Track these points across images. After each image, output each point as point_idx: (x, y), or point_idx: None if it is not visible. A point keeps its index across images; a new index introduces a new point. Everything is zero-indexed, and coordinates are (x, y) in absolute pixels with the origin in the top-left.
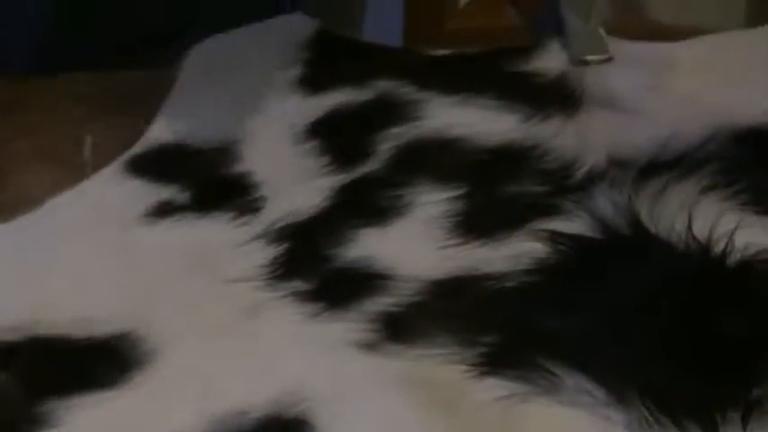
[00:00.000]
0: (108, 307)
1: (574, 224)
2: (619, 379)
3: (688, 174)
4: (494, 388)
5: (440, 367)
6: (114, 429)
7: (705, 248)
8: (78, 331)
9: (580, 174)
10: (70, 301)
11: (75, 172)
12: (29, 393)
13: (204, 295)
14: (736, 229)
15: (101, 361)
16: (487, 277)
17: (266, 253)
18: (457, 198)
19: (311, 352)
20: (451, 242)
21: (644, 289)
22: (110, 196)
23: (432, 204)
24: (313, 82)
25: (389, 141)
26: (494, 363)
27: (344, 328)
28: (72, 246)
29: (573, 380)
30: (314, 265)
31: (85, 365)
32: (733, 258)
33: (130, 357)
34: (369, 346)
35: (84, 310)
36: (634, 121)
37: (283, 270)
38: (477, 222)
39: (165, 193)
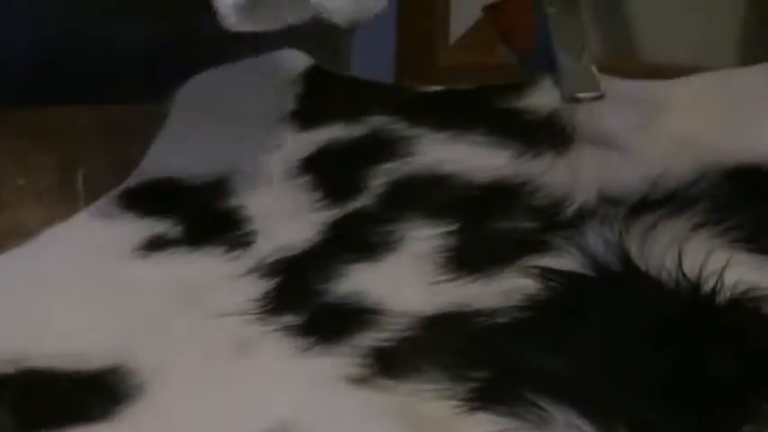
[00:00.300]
0: (99, 341)
1: (564, 260)
2: (609, 416)
3: (678, 211)
4: (484, 423)
5: (430, 402)
6: None
7: (695, 286)
8: (69, 364)
9: (571, 210)
10: (61, 335)
11: (67, 205)
12: (20, 425)
13: (195, 329)
14: (726, 266)
15: (91, 394)
16: (478, 313)
17: (257, 287)
18: (448, 234)
19: (302, 386)
20: (443, 278)
21: (634, 326)
22: (102, 230)
23: (423, 240)
24: (305, 117)
25: (381, 177)
26: (484, 398)
27: (335, 362)
28: (63, 279)
29: (563, 416)
30: (305, 300)
31: (75, 398)
32: (723, 296)
33: (120, 391)
34: (360, 381)
35: (74, 344)
36: (625, 159)
37: (274, 305)
38: (468, 258)
39: (158, 227)
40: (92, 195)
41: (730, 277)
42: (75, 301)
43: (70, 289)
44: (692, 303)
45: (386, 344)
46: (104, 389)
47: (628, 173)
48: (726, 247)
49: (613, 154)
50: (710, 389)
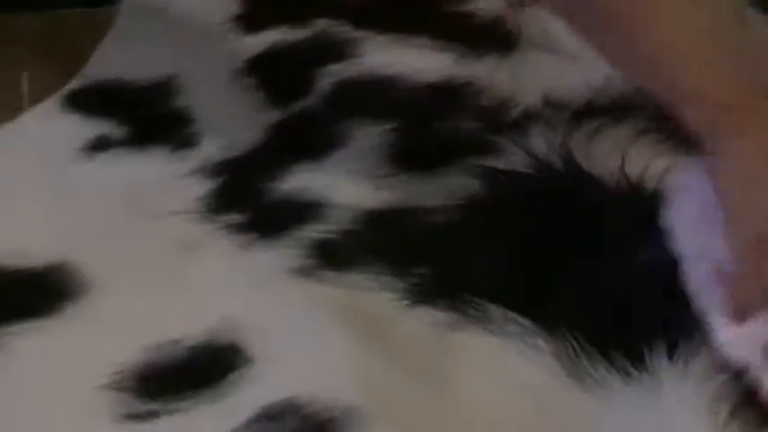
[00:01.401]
0: (44, 239)
1: (508, 161)
2: (547, 310)
3: (622, 117)
4: (423, 317)
5: (372, 295)
6: (50, 357)
7: (637, 188)
8: (14, 262)
9: (515, 113)
10: (6, 233)
11: (11, 107)
12: None
13: (140, 228)
14: (667, 169)
15: (35, 291)
16: (421, 210)
17: (202, 187)
18: (392, 132)
19: (246, 281)
20: (386, 174)
21: (575, 224)
22: (47, 131)
23: (367, 138)
24: (251, 20)
25: (326, 78)
26: (424, 293)
27: (278, 256)
28: (8, 179)
29: (502, 310)
30: (249, 198)
31: (21, 295)
32: (663, 197)
33: (65, 289)
34: (302, 274)
35: (20, 242)
36: (570, 65)
37: (219, 203)
38: (411, 156)
39: (103, 128)
40: (36, 98)
41: (671, 179)
42: (20, 201)
43: (15, 189)
44: (633, 203)
45: (329, 236)
46: (49, 286)
47: (572, 78)
48: (668, 152)
49: (558, 59)
50: (647, 285)
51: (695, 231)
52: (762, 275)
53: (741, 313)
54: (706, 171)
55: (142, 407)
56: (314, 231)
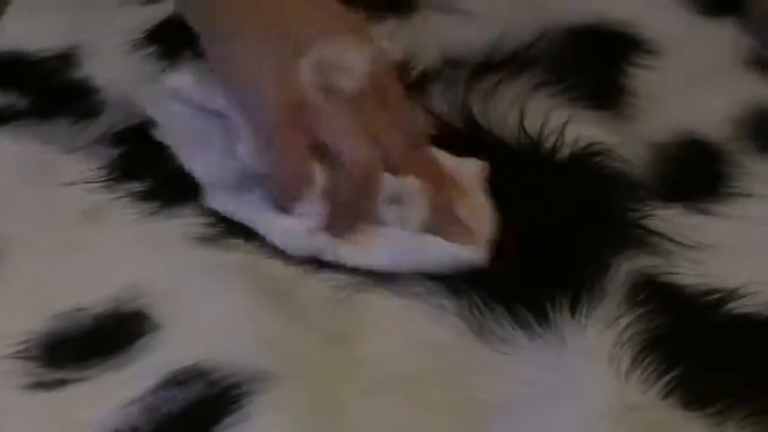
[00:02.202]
0: None
1: None
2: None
3: (519, 72)
4: (328, 279)
5: (275, 260)
6: None
7: (536, 143)
8: None
9: (414, 73)
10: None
11: None
12: None
13: (44, 198)
14: (567, 123)
15: None
16: None
17: (104, 156)
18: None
19: (149, 248)
20: None
21: None
22: None
23: None
24: None
25: None
26: None
27: (181, 223)
28: None
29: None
30: (151, 166)
31: None
32: (565, 152)
33: None
34: (206, 240)
35: None
36: (466, 22)
37: (120, 172)
38: None
39: (5, 99)
40: None
41: (571, 134)
42: None
43: None
44: (535, 159)
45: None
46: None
47: (469, 35)
48: (566, 106)
49: (455, 17)
50: (549, 239)
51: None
52: (290, 152)
53: (288, 200)
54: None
55: (49, 375)
56: None
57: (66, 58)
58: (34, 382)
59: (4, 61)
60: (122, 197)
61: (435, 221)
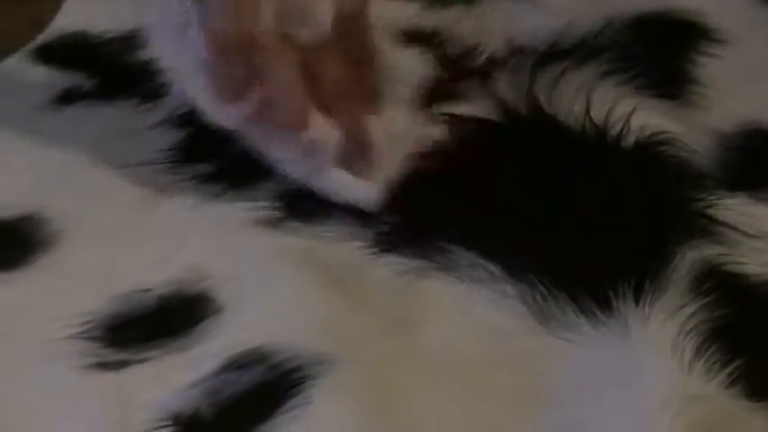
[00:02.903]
0: (12, 191)
1: (474, 108)
2: (513, 255)
3: (586, 60)
4: (391, 265)
5: (338, 244)
6: (18, 309)
7: (602, 131)
8: None
9: (480, 59)
10: None
11: None
12: None
13: (108, 179)
14: (632, 112)
15: (5, 242)
16: None
17: (169, 138)
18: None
19: (213, 231)
20: None
21: (541, 170)
22: (16, 84)
23: None
24: None
25: None
26: (391, 241)
27: (245, 206)
28: None
29: (468, 256)
30: (216, 148)
31: None
32: (630, 140)
33: (34, 240)
34: (270, 224)
35: None
36: (532, 10)
37: (186, 154)
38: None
39: (71, 80)
40: (5, 52)
41: (636, 122)
42: None
43: None
44: (599, 147)
45: (296, 187)
46: (18, 237)
47: (535, 23)
48: (632, 94)
49: (521, 5)
50: (615, 228)
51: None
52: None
53: (228, 93)
54: None
55: (111, 356)
56: (281, 183)
57: (131, 39)
58: (96, 362)
59: (68, 42)
60: (186, 179)
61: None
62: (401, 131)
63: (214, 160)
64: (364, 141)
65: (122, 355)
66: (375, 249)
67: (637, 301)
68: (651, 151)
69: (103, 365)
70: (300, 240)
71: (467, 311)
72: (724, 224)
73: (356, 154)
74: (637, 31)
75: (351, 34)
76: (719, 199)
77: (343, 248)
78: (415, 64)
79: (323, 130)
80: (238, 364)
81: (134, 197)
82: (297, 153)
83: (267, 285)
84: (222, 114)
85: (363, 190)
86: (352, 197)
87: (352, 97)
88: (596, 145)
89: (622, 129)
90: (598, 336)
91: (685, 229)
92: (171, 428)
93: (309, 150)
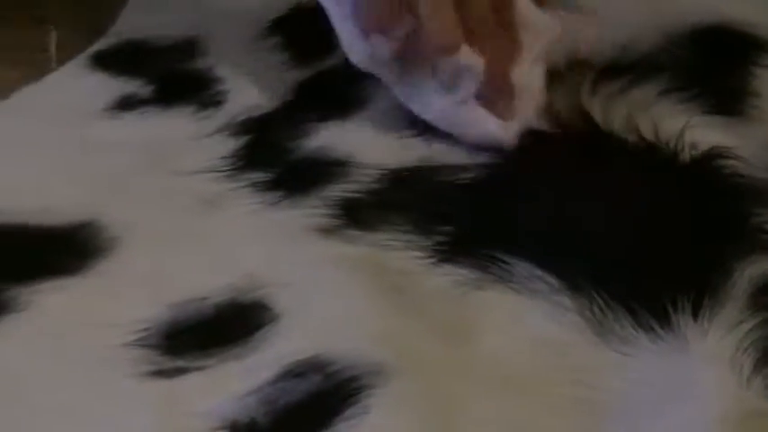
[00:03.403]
0: (70, 197)
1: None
2: (572, 267)
3: (645, 75)
4: (448, 274)
5: (396, 253)
6: (75, 315)
7: (660, 146)
8: (40, 220)
9: None
10: (32, 191)
11: (39, 66)
12: None
13: (165, 187)
14: (690, 127)
15: (62, 249)
16: (446, 168)
17: (227, 145)
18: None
19: (270, 239)
20: (410, 133)
21: (597, 182)
22: (73, 89)
23: (391, 97)
24: None
25: None
26: (449, 251)
27: (303, 214)
28: (35, 138)
29: (526, 268)
30: (274, 156)
31: (47, 253)
32: (686, 155)
33: (91, 246)
34: (327, 232)
35: (46, 200)
36: (593, 23)
37: (243, 162)
38: None
39: (129, 86)
40: (63, 57)
41: (695, 137)
42: (47, 160)
43: (42, 148)
44: (658, 162)
45: (354, 195)
46: (75, 244)
47: (596, 36)
48: (691, 109)
49: (582, 17)
50: (672, 241)
51: None
52: None
53: (375, 22)
54: None
55: (168, 363)
56: (339, 191)
57: (190, 47)
58: (153, 370)
59: (128, 49)
60: (244, 187)
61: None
62: (534, 84)
63: (271, 168)
64: (504, 83)
65: (179, 363)
66: (433, 259)
67: (695, 316)
68: (710, 166)
69: (159, 373)
70: (358, 248)
71: (524, 323)
72: None
73: (497, 93)
74: (695, 45)
75: None
76: None
77: (401, 257)
78: (546, 21)
79: (473, 56)
80: (295, 372)
81: (191, 204)
82: (444, 82)
83: (324, 294)
84: (364, 46)
85: (500, 129)
86: (486, 135)
87: (495, 37)
88: (654, 160)
89: (680, 144)
90: (656, 350)
91: (744, 245)
92: None
93: (458, 78)
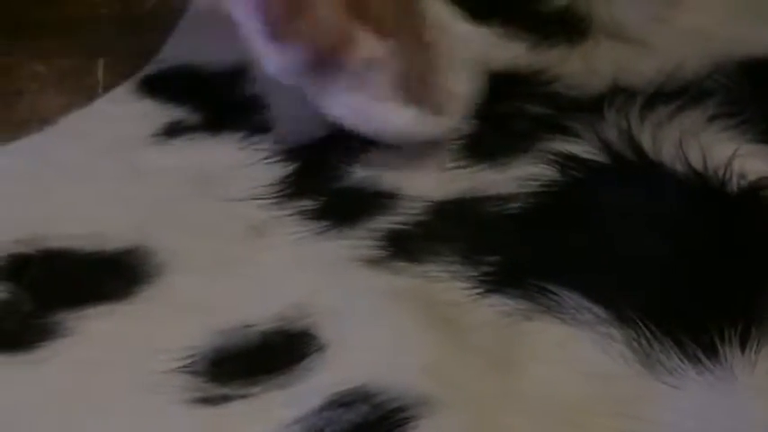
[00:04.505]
0: (117, 223)
1: (579, 147)
2: (620, 299)
3: (693, 103)
4: (495, 306)
5: (443, 284)
6: (122, 341)
7: (707, 176)
8: (88, 245)
9: (586, 99)
10: (80, 217)
11: (86, 92)
12: (39, 304)
13: (212, 213)
14: (737, 156)
15: (110, 274)
16: (492, 199)
17: (274, 173)
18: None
19: (317, 268)
20: (457, 164)
21: (646, 213)
22: (121, 116)
23: None
24: None
25: None
26: (496, 282)
27: (350, 245)
28: (83, 164)
29: (573, 298)
30: (321, 185)
31: (95, 278)
32: (734, 185)
33: (138, 272)
34: (374, 263)
35: (93, 226)
36: (640, 52)
37: (291, 189)
38: (482, 145)
39: (177, 113)
40: (111, 83)
41: (742, 167)
42: (95, 186)
43: (89, 174)
44: (706, 192)
45: (400, 227)
46: (122, 270)
47: (643, 65)
48: (738, 138)
49: (629, 46)
50: (720, 273)
51: None
52: None
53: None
54: None
55: (214, 391)
56: (386, 222)
57: (237, 74)
58: (199, 397)
59: (176, 75)
60: (291, 215)
61: (408, 86)
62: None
63: (318, 197)
64: (422, 82)
65: (224, 390)
66: (480, 289)
67: (742, 348)
68: (757, 196)
69: (205, 400)
70: (405, 280)
71: (571, 354)
72: None
73: (419, 89)
74: (744, 74)
75: None
76: None
77: (448, 288)
78: (472, 35)
79: (374, 47)
80: (341, 402)
81: (238, 231)
82: (351, 82)
83: (371, 324)
84: (277, 57)
85: (414, 124)
86: (398, 130)
87: (405, 35)
88: (702, 190)
89: (727, 173)
90: (703, 382)
91: None
92: None
93: (364, 74)
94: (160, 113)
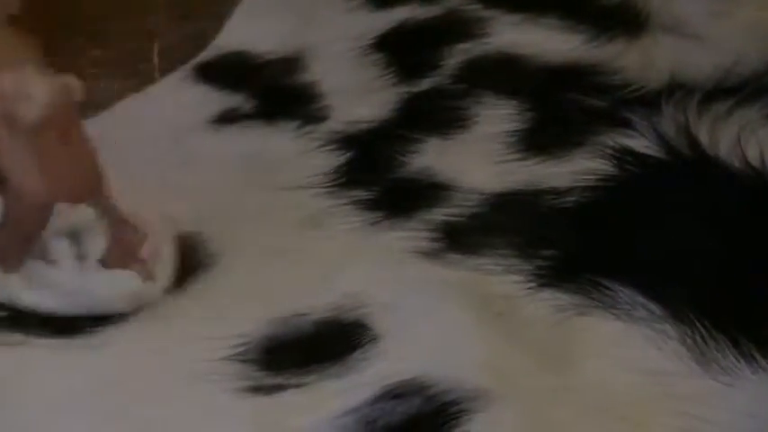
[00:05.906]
0: (173, 210)
1: (636, 141)
2: (675, 295)
3: (751, 99)
4: (549, 300)
5: (497, 278)
6: (175, 329)
7: (765, 172)
8: None
9: (644, 93)
10: (134, 203)
11: (142, 77)
12: None
13: (267, 201)
14: None
15: None
16: (548, 192)
17: (329, 161)
18: (520, 114)
19: (372, 259)
20: (513, 157)
21: (702, 209)
22: (176, 101)
23: (494, 119)
24: None
25: (455, 57)
26: (550, 276)
27: (404, 236)
28: (138, 148)
29: (628, 294)
30: (376, 175)
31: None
32: None
33: (193, 260)
34: (428, 255)
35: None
36: (698, 47)
37: (345, 179)
38: (539, 138)
39: (231, 101)
40: (166, 68)
41: None
42: (149, 171)
43: (144, 159)
44: (762, 188)
45: (455, 219)
46: (180, 256)
47: (701, 60)
48: None
49: (687, 41)
50: None
51: None
52: None
53: None
54: None
55: (266, 380)
56: (441, 214)
57: (292, 62)
58: (251, 385)
59: (231, 62)
60: (345, 204)
61: (115, 256)
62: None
63: (373, 187)
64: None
65: (277, 380)
66: (534, 283)
67: None
68: None
69: (257, 389)
70: (459, 273)
71: (625, 350)
72: None
73: (120, 246)
74: None
75: (65, 113)
76: None
77: (502, 282)
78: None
79: (80, 215)
80: (394, 393)
81: (292, 220)
82: (60, 254)
83: (425, 316)
84: None
85: (144, 288)
86: (128, 299)
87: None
88: (759, 186)
89: None
90: (757, 380)
91: None
92: None
93: (74, 249)
94: (215, 100)
